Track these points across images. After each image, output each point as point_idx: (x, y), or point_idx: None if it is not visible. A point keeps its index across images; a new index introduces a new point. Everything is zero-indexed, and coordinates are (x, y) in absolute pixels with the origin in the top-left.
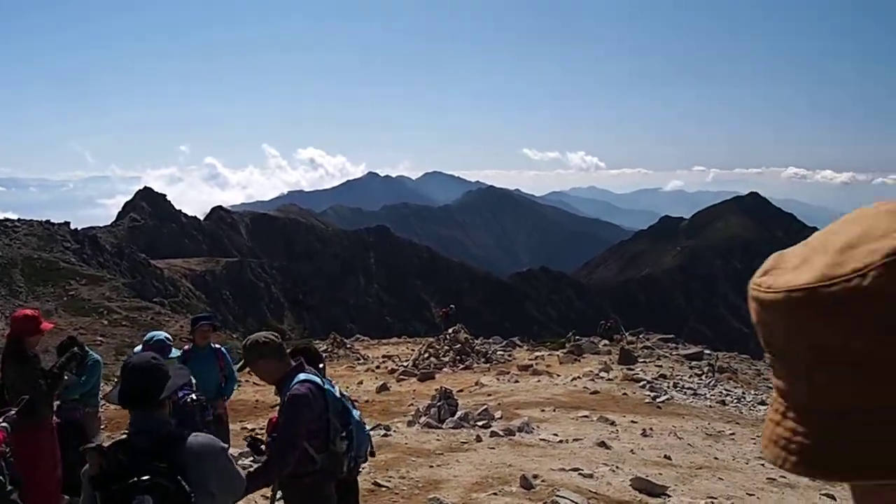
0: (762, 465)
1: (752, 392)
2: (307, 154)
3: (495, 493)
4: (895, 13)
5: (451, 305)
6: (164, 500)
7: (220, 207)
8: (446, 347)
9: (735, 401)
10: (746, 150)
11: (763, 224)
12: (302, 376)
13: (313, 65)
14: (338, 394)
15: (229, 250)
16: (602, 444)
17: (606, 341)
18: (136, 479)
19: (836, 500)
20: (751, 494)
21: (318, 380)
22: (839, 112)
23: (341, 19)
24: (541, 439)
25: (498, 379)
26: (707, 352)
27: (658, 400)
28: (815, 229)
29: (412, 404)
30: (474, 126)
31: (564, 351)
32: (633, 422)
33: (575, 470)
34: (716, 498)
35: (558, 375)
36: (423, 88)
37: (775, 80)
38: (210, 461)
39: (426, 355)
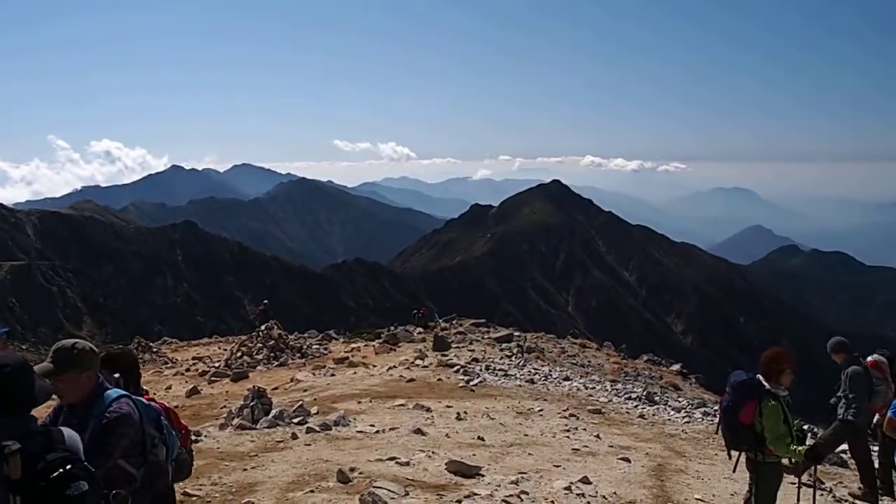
0: (568, 437)
1: (558, 369)
2: (102, 146)
3: (312, 491)
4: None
5: (265, 301)
6: (91, 481)
7: (0, 206)
8: (259, 345)
9: (543, 378)
10: (548, 140)
11: (565, 209)
12: (114, 391)
13: (102, 48)
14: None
15: (14, 253)
16: (418, 431)
17: (420, 329)
18: (62, 470)
19: (630, 462)
20: (557, 466)
21: (122, 391)
22: (629, 104)
23: None
24: (357, 431)
25: (314, 374)
26: (517, 333)
27: (472, 383)
28: (610, 213)
29: (225, 406)
30: (284, 117)
31: (380, 341)
32: (448, 407)
33: (392, 459)
34: (525, 472)
35: (374, 366)
36: (228, 77)
37: (571, 74)
38: (79, 449)
39: (239, 354)
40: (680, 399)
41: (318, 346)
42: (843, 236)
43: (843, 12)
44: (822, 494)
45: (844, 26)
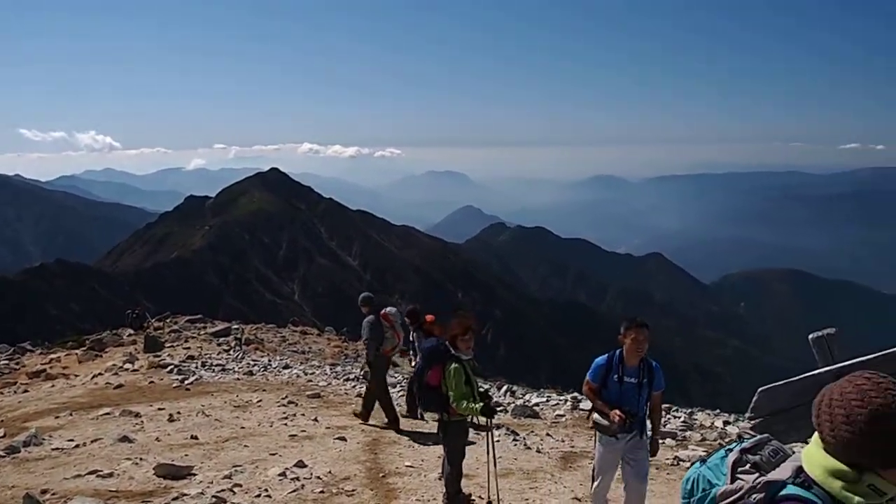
0: (285, 424)
1: (278, 358)
2: None
3: None
4: None
5: None
6: None
7: None
8: None
9: (262, 369)
10: (264, 128)
11: (284, 198)
12: None
13: None
14: None
15: None
16: (125, 439)
17: (131, 330)
18: None
19: (346, 440)
20: (273, 454)
21: None
22: (346, 92)
23: None
24: (53, 449)
25: (2, 393)
26: (235, 326)
27: (186, 382)
28: (331, 200)
29: None
30: None
31: (84, 348)
32: (160, 409)
33: (93, 473)
34: (240, 465)
35: (76, 376)
36: None
37: (288, 62)
38: None
39: None
40: (396, 374)
41: (7, 362)
42: (541, 213)
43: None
44: (515, 443)
45: (529, 20)
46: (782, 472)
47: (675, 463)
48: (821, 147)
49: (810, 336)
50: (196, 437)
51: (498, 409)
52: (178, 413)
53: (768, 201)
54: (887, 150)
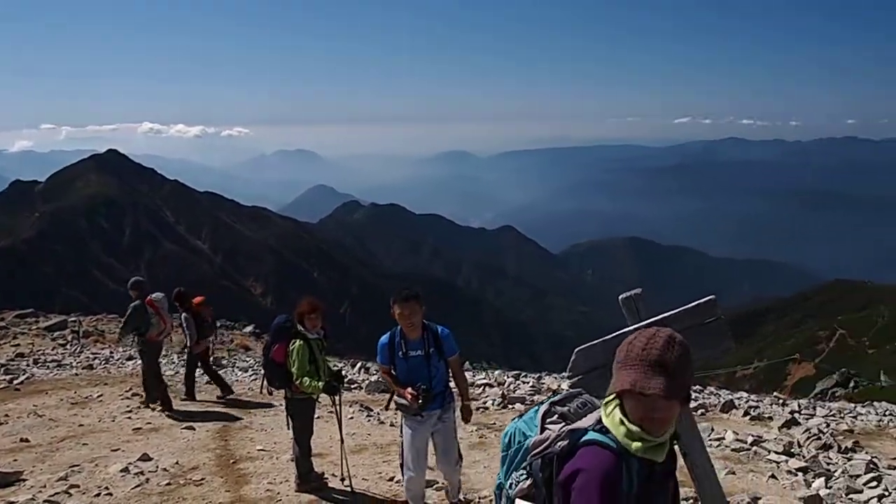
0: (129, 418)
1: (121, 349)
2: None
3: None
4: None
5: None
6: None
7: None
8: None
9: (103, 362)
10: (99, 107)
11: (126, 180)
12: None
13: None
14: None
15: None
16: None
17: None
18: None
19: (195, 429)
20: (116, 450)
21: None
22: (189, 68)
23: None
24: None
25: None
26: (72, 319)
27: (16, 382)
28: (176, 182)
29: None
30: None
31: None
32: None
33: None
34: (78, 464)
35: None
36: None
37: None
38: None
39: None
40: (248, 359)
41: None
42: (396, 189)
43: None
44: (369, 419)
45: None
46: (586, 421)
47: None
48: (657, 121)
49: (620, 297)
50: (27, 440)
51: (352, 386)
52: (6, 416)
53: (608, 173)
54: (713, 123)
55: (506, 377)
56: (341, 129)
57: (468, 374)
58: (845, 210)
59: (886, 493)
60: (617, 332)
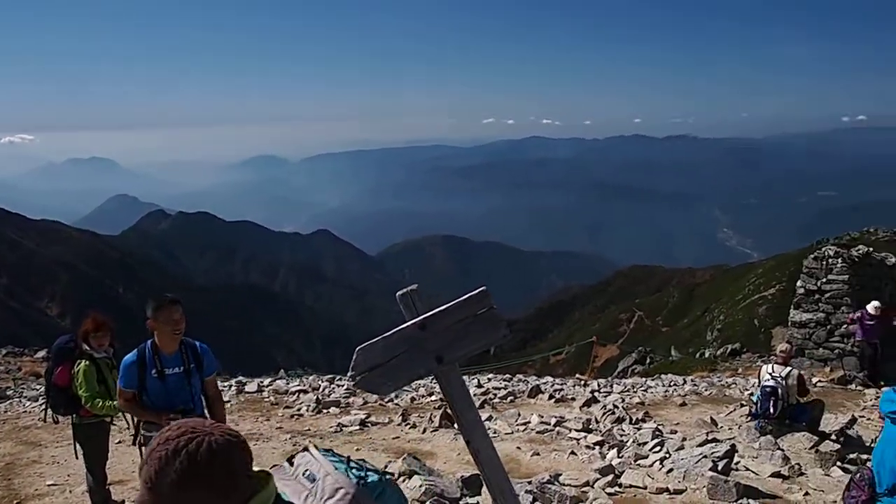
0: None
1: None
2: None
3: None
4: None
5: None
6: None
7: None
8: None
9: None
10: None
11: None
12: None
13: None
14: None
15: None
16: None
17: None
18: None
19: None
20: None
21: None
22: None
23: None
24: None
25: None
26: None
27: None
28: None
29: None
30: None
31: None
32: None
33: None
34: None
35: None
36: None
37: None
38: None
39: None
40: (38, 386)
41: None
42: (203, 196)
43: None
44: None
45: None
46: None
47: (339, 430)
48: (465, 122)
49: (397, 294)
50: None
51: None
52: None
53: (420, 174)
54: (516, 124)
55: (320, 382)
56: (139, 135)
57: (281, 383)
58: (637, 202)
59: (667, 455)
60: (394, 330)
